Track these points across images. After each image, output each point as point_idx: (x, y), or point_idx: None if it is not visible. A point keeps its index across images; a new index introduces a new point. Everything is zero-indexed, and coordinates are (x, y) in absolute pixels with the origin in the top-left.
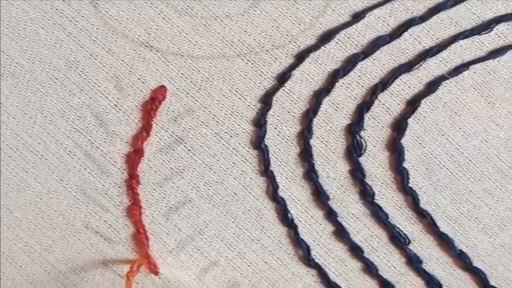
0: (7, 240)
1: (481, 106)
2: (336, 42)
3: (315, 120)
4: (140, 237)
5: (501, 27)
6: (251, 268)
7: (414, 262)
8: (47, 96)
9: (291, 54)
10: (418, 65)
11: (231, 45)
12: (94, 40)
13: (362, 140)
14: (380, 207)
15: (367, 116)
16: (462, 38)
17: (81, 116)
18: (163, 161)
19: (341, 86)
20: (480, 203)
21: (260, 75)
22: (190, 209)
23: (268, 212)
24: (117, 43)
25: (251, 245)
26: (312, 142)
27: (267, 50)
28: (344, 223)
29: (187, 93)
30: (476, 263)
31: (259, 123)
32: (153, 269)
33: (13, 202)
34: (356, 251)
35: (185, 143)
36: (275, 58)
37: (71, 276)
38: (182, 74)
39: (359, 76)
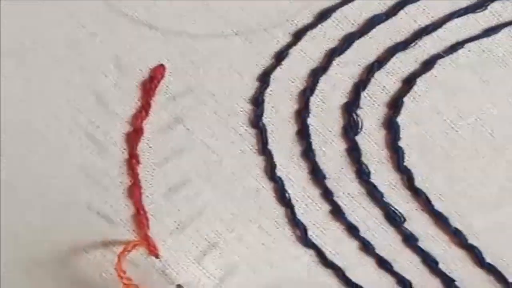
0: (9, 219)
1: (475, 84)
2: (333, 21)
3: (312, 99)
4: (140, 218)
5: (496, 5)
6: (249, 250)
7: (410, 240)
8: (48, 75)
9: (289, 33)
10: (414, 43)
11: (230, 24)
12: (94, 19)
13: (359, 118)
14: (375, 186)
15: (363, 95)
16: (457, 17)
17: (81, 95)
18: (163, 140)
19: (338, 64)
20: (475, 181)
21: (258, 53)
22: (190, 190)
23: (266, 192)
24: (117, 22)
25: (249, 227)
26: (309, 120)
27: (264, 29)
28: (340, 203)
29: (186, 72)
30: (472, 241)
31: (257, 101)
32: (153, 251)
33: (15, 182)
34: (352, 230)
35: (184, 122)
36: (273, 37)
37: (72, 256)
38: (181, 53)
39: (355, 54)
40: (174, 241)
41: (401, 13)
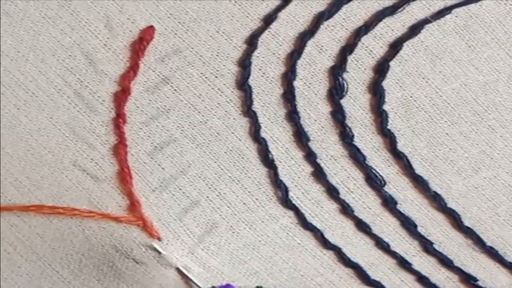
0: None
1: (461, 49)
2: None
3: (299, 62)
4: (124, 175)
5: None
6: (230, 209)
7: (389, 203)
8: (39, 34)
9: None
10: (402, 8)
11: None
12: None
13: (344, 82)
14: (358, 149)
15: (350, 59)
16: None
17: (71, 55)
18: (150, 100)
19: (326, 28)
20: (456, 146)
21: (246, 16)
22: (174, 149)
23: (250, 152)
24: None
25: (232, 186)
26: (295, 83)
27: None
28: (322, 165)
29: (175, 33)
30: (451, 205)
31: (244, 64)
32: (136, 206)
33: (4, 139)
34: (332, 192)
35: (172, 83)
36: (262, 0)
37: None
38: (171, 14)
39: (343, 18)
40: (156, 198)
41: None
